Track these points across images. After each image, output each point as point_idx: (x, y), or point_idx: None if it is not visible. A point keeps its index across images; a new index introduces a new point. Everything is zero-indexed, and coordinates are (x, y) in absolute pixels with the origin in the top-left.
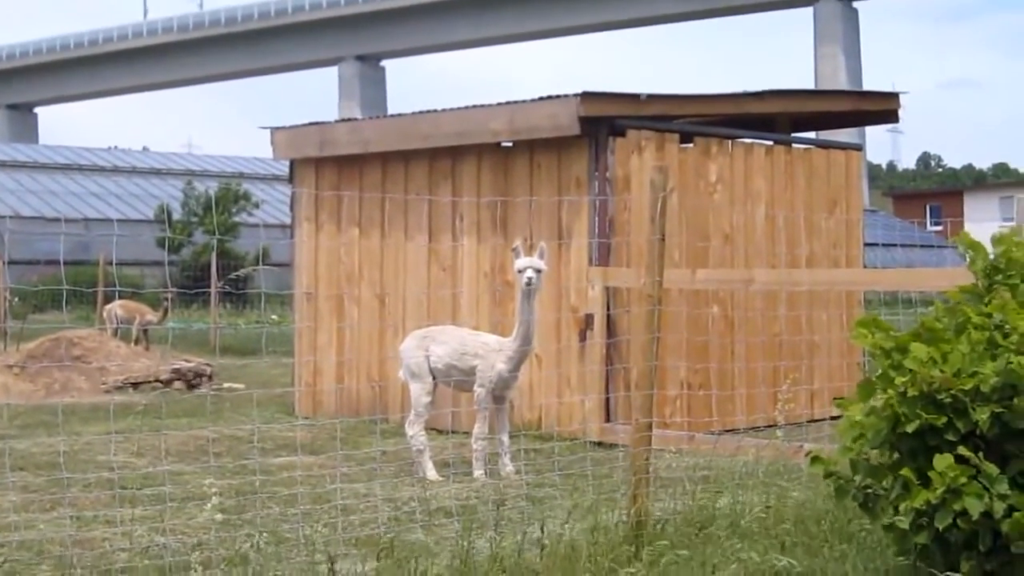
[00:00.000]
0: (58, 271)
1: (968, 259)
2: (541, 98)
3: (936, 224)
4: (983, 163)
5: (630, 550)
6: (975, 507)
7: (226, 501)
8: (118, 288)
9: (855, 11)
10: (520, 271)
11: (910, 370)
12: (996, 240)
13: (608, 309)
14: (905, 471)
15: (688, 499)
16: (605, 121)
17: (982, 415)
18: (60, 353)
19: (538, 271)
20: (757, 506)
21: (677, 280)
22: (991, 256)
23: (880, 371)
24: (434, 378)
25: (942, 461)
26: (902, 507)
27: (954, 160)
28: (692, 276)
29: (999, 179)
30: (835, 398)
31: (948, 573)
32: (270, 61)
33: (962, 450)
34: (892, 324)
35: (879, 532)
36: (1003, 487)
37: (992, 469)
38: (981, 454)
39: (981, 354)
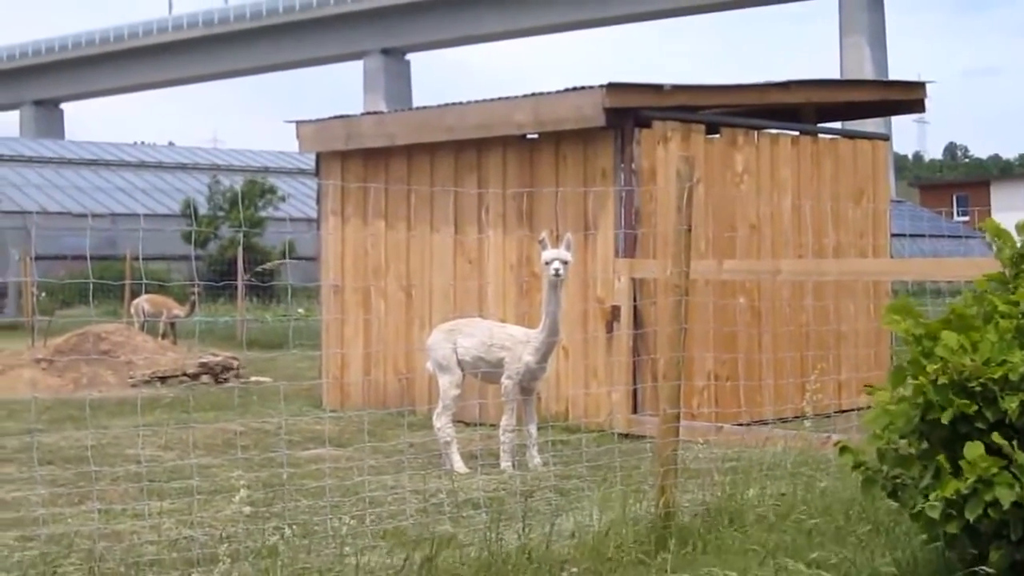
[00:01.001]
0: (85, 266)
1: (995, 247)
2: (566, 90)
3: (963, 214)
4: (1010, 153)
5: (658, 541)
6: (1007, 497)
7: (254, 494)
8: (145, 282)
9: (880, 1)
10: (547, 263)
11: (941, 358)
12: (1019, 227)
13: (635, 300)
14: (939, 459)
15: (716, 490)
16: (630, 112)
17: (1011, 404)
18: (88, 347)
19: (565, 263)
20: (785, 497)
21: (704, 271)
22: (1018, 244)
23: (911, 358)
24: (462, 370)
25: (973, 450)
26: (932, 496)
27: (980, 150)
28: (719, 267)
29: None
30: (866, 385)
31: (977, 564)
32: (295, 55)
33: (995, 437)
34: (922, 313)
35: (907, 521)
36: None
37: (1023, 458)
38: (1014, 443)
39: (1009, 342)
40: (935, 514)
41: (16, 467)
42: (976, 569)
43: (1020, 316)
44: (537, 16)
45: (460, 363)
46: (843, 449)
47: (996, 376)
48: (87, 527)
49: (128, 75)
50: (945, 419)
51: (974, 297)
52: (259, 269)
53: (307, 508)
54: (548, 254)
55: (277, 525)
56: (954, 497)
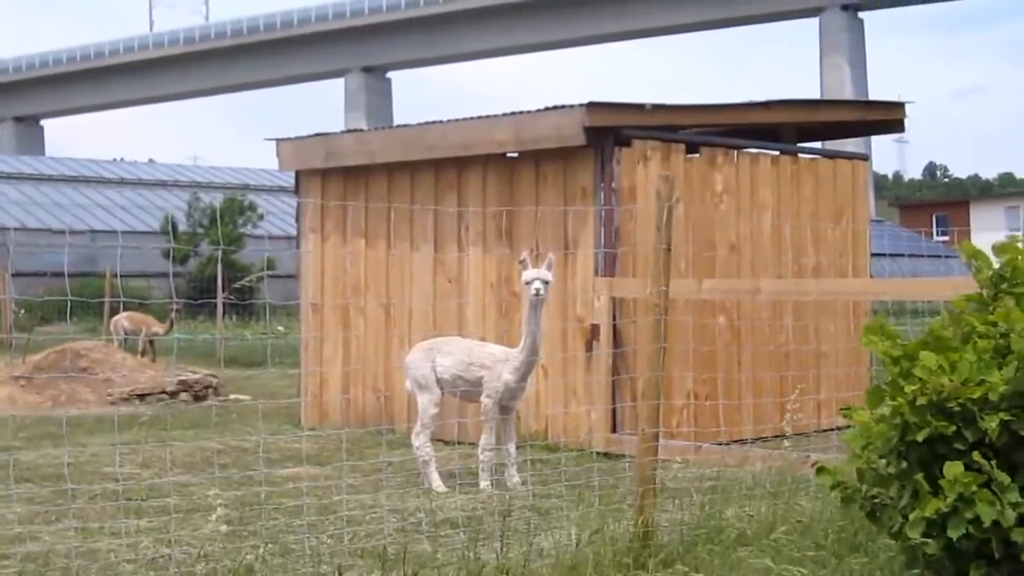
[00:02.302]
0: (64, 283)
1: (973, 269)
2: (546, 108)
3: (942, 234)
4: (989, 173)
5: (637, 561)
6: (988, 514)
7: (231, 512)
8: (124, 299)
9: (860, 21)
10: (527, 283)
11: (919, 378)
12: (999, 249)
13: (614, 319)
14: (917, 479)
15: (695, 510)
16: (611, 131)
17: (991, 423)
18: (66, 365)
19: (545, 283)
20: (764, 517)
21: (683, 290)
22: (996, 265)
23: (890, 379)
24: (441, 389)
25: (953, 469)
26: (912, 516)
27: (960, 170)
28: (698, 286)
29: (1005, 189)
30: (842, 408)
31: None
32: (276, 73)
33: (975, 456)
34: (900, 333)
35: (886, 542)
36: (1014, 495)
37: (1004, 477)
38: (994, 463)
39: (988, 363)
40: (916, 534)
41: None
42: None
43: (998, 336)
44: (518, 35)
45: (439, 382)
46: (820, 470)
47: (975, 396)
48: (64, 545)
49: (109, 92)
50: (920, 438)
51: (952, 318)
52: (237, 286)
53: (285, 526)
54: (528, 274)
55: (254, 544)
56: (935, 517)
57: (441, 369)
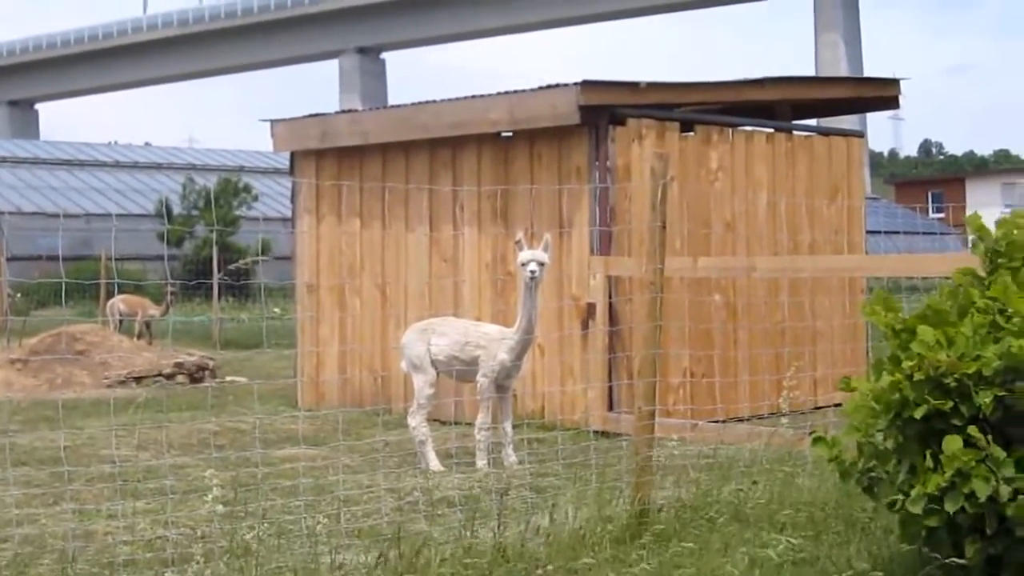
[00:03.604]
0: (59, 266)
1: (971, 243)
2: (541, 87)
3: (938, 211)
4: (984, 150)
5: (633, 538)
6: (983, 490)
7: (228, 493)
8: (118, 281)
9: None
10: (523, 264)
11: (917, 353)
12: (998, 224)
13: (610, 298)
14: (914, 454)
15: (692, 487)
16: (605, 110)
17: (985, 399)
18: (62, 348)
19: (541, 264)
20: (761, 493)
21: (679, 268)
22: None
23: (891, 352)
24: (436, 369)
25: (952, 444)
26: (913, 492)
27: (955, 147)
28: (694, 264)
29: (1000, 165)
30: (841, 379)
31: (953, 559)
32: (270, 55)
33: (972, 431)
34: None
35: (883, 518)
36: (1009, 470)
37: (999, 452)
38: (989, 437)
39: (984, 337)
40: (918, 509)
41: None
42: (952, 564)
43: (996, 312)
44: (512, 15)
45: (434, 362)
46: (817, 439)
47: (971, 371)
48: (61, 528)
49: (103, 75)
50: (918, 415)
51: (950, 291)
52: (232, 267)
53: (282, 507)
54: (524, 255)
55: (251, 524)
56: (935, 492)
57: (436, 349)
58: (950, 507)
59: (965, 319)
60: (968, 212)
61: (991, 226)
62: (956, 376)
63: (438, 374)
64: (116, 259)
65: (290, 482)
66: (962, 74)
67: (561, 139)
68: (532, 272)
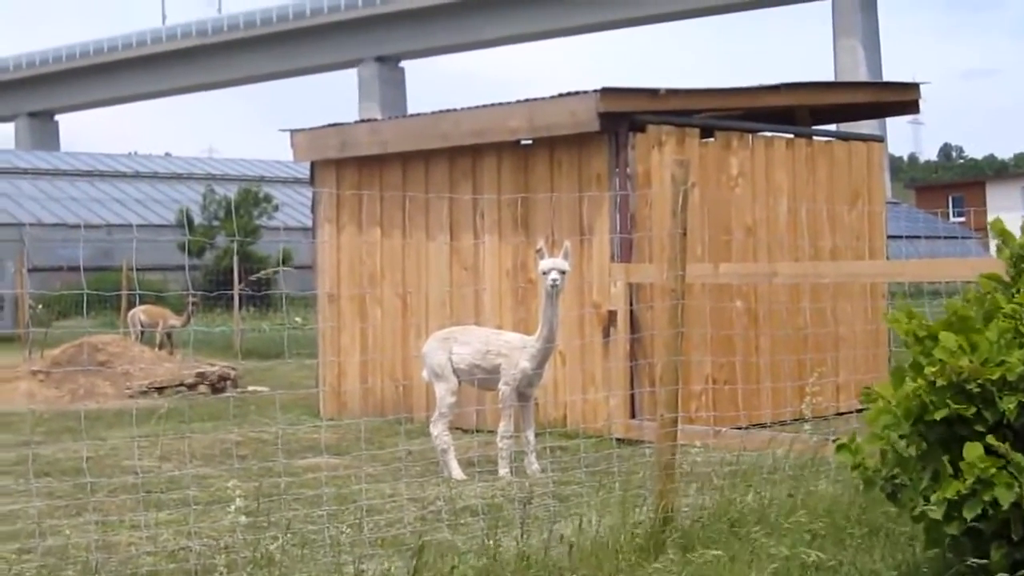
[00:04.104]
0: (80, 277)
1: (996, 247)
2: (560, 95)
3: (959, 215)
4: (1005, 153)
5: (657, 546)
6: (1006, 497)
7: (251, 504)
8: (139, 292)
9: (873, 2)
10: (544, 272)
11: (939, 360)
12: (1023, 229)
13: (631, 305)
14: (941, 460)
15: (715, 494)
16: (625, 117)
17: (1009, 404)
18: (84, 359)
19: (562, 272)
20: (785, 500)
21: (700, 274)
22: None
23: (912, 359)
24: (458, 378)
25: (972, 451)
26: (934, 498)
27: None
28: (715, 270)
29: (1021, 169)
30: (863, 388)
31: (978, 565)
32: (289, 64)
33: (991, 440)
34: (923, 315)
35: (906, 524)
36: None
37: (1021, 459)
38: (1008, 444)
39: (1009, 343)
40: (938, 515)
41: (13, 479)
42: (976, 570)
43: (1022, 318)
44: (531, 22)
45: (456, 371)
46: (841, 447)
47: (994, 377)
48: (84, 539)
49: (123, 86)
50: (938, 417)
51: (976, 297)
52: (253, 278)
53: (305, 517)
54: (545, 263)
55: (274, 534)
56: (955, 498)
57: (457, 358)
58: (968, 514)
59: (991, 324)
60: (989, 216)
61: (1014, 230)
62: (979, 382)
63: (460, 383)
64: (137, 269)
65: (313, 492)
66: (982, 78)
67: (581, 146)
68: (554, 280)
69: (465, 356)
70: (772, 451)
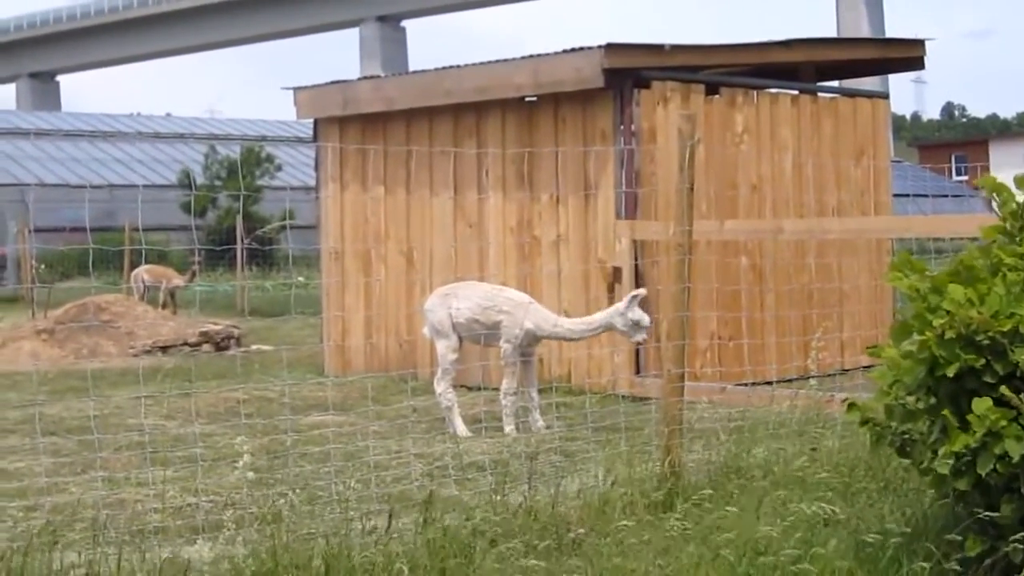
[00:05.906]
0: (84, 238)
1: (996, 203)
2: (565, 51)
3: (961, 174)
4: (1007, 112)
5: (665, 501)
6: (1016, 449)
7: (258, 460)
8: (144, 249)
9: None
10: (637, 322)
11: (947, 312)
12: (1020, 180)
13: (636, 261)
14: (945, 413)
15: (722, 449)
16: (629, 73)
17: (1021, 356)
18: (88, 318)
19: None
20: (791, 455)
21: (706, 231)
22: (1020, 198)
23: (915, 313)
24: (458, 334)
25: (981, 404)
26: (941, 451)
27: (978, 110)
28: (720, 226)
29: None
30: (868, 346)
31: (987, 518)
32: (291, 24)
33: (1004, 390)
34: (927, 266)
35: (916, 478)
36: None
37: None
38: (1023, 395)
39: (1018, 295)
40: (945, 470)
41: (19, 438)
42: (986, 523)
43: None
44: None
45: (455, 326)
46: (851, 406)
47: (1005, 329)
48: (91, 496)
49: (124, 46)
50: (951, 373)
51: (981, 250)
52: (259, 232)
53: (311, 473)
54: (645, 319)
55: (281, 491)
56: (963, 452)
57: (456, 313)
58: (982, 469)
59: (997, 277)
60: (993, 174)
61: (1012, 184)
62: (989, 334)
63: (461, 339)
64: (140, 230)
65: (319, 449)
66: (985, 37)
67: (585, 103)
68: (640, 340)
69: (464, 311)
70: (777, 407)
